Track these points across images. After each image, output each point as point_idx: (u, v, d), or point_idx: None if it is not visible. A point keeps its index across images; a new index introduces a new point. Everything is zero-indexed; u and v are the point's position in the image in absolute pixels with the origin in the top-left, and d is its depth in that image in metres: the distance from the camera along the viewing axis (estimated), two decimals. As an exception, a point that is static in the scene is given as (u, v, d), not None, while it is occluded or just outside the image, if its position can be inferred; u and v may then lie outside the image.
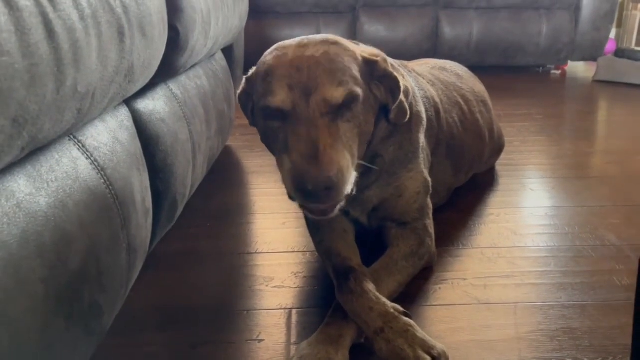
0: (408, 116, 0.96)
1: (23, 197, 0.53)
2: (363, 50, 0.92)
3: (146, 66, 0.73)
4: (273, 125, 0.83)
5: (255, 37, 2.79)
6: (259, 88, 0.85)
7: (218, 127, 1.38)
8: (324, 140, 0.76)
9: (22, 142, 0.45)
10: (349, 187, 0.79)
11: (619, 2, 3.48)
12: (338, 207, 0.82)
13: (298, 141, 0.77)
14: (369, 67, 0.88)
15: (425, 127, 1.09)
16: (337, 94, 0.79)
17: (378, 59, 0.90)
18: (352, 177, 0.80)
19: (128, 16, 0.62)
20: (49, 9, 0.46)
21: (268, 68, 0.83)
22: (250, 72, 0.93)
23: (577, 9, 3.35)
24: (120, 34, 0.60)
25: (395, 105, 0.93)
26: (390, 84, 0.91)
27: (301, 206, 0.83)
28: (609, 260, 1.08)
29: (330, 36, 0.89)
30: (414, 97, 1.05)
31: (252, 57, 2.19)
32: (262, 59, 0.88)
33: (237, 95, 0.95)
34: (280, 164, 0.83)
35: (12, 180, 0.52)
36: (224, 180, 1.59)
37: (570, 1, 3.33)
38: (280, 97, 0.79)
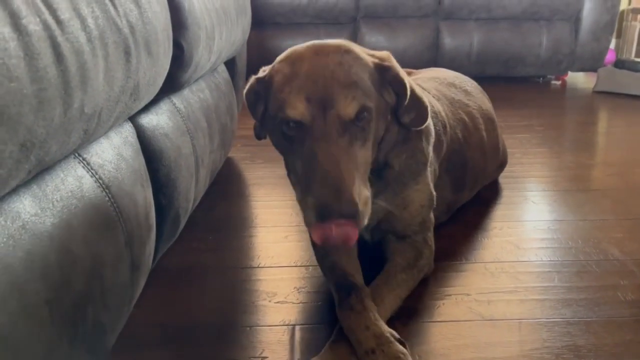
0: (426, 120, 0.96)
1: (28, 218, 0.53)
2: (373, 53, 0.93)
3: (151, 84, 0.73)
4: (288, 134, 0.83)
5: (257, 48, 2.80)
6: (276, 95, 0.85)
7: (220, 140, 1.38)
8: (346, 171, 0.76)
9: (29, 165, 0.45)
10: (368, 214, 0.78)
11: (619, 12, 3.50)
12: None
13: (318, 166, 0.77)
14: (380, 73, 0.89)
15: (434, 140, 1.09)
16: (350, 110, 0.81)
17: (389, 64, 0.91)
18: (369, 205, 0.79)
19: (134, 36, 0.62)
20: (57, 32, 0.46)
21: (285, 77, 0.84)
22: (262, 73, 0.92)
23: (577, 20, 3.37)
24: (127, 53, 0.61)
25: (406, 104, 0.92)
26: (398, 87, 0.92)
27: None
28: (613, 275, 1.07)
29: (344, 43, 0.89)
30: None
31: (253, 67, 2.20)
32: (277, 64, 0.88)
33: (245, 92, 0.95)
34: (295, 180, 0.83)
35: (17, 200, 0.52)
36: (225, 192, 1.58)
37: (570, 12, 3.34)
38: (299, 111, 0.81)
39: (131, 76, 0.62)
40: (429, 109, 0.97)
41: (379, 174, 0.98)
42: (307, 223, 0.78)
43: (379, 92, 0.88)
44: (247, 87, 0.94)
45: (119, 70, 0.59)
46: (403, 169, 1.01)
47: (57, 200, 0.58)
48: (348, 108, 0.80)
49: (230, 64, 1.67)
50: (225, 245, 1.25)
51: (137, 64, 0.64)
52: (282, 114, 0.82)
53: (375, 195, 0.99)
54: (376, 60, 0.90)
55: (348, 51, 0.86)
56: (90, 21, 0.53)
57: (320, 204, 0.74)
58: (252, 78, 0.93)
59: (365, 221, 0.77)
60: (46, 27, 0.44)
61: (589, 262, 1.12)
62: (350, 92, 0.81)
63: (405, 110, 0.93)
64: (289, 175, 0.97)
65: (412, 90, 0.93)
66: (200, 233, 1.29)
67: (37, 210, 0.54)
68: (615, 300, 0.98)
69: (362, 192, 0.78)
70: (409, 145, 1.01)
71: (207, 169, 1.25)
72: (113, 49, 0.57)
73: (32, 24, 0.42)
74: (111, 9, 0.58)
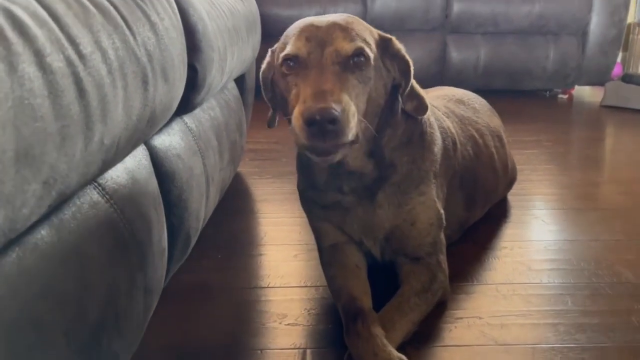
0: (427, 109, 1.01)
1: (46, 248, 0.53)
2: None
3: (167, 109, 0.73)
4: (287, 72, 0.88)
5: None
6: (280, 46, 0.92)
7: (230, 156, 1.38)
8: (331, 82, 0.81)
9: (50, 200, 0.45)
10: (353, 129, 0.81)
11: (626, 26, 3.50)
12: (342, 150, 0.83)
13: (308, 84, 0.81)
14: (384, 42, 0.95)
15: (440, 153, 1.09)
16: (347, 47, 0.85)
17: (391, 37, 0.97)
18: (356, 121, 0.82)
19: (152, 64, 0.63)
20: (79, 68, 0.46)
21: (289, 30, 0.92)
22: (275, 45, 0.98)
23: (584, 33, 3.37)
24: (144, 82, 0.61)
25: (408, 89, 0.98)
26: (403, 65, 0.97)
27: (307, 149, 0.83)
28: (627, 299, 1.06)
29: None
30: (427, 119, 1.07)
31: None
32: (288, 29, 0.95)
33: (261, 72, 1.00)
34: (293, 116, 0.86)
35: (35, 231, 0.52)
36: (234, 208, 1.58)
37: (577, 26, 3.34)
38: (297, 46, 0.86)
39: (148, 104, 0.63)
40: (427, 102, 1.02)
41: (385, 173, 1.00)
42: (296, 142, 0.82)
43: (381, 58, 0.93)
44: (263, 64, 1.00)
45: (137, 99, 0.59)
46: (406, 174, 1.02)
47: (73, 229, 0.58)
48: (346, 45, 0.85)
49: (239, 80, 1.67)
50: (234, 263, 1.24)
51: (154, 91, 0.64)
52: (282, 54, 0.88)
53: (379, 186, 1.01)
54: (380, 32, 0.96)
55: (353, 17, 0.93)
56: (110, 53, 0.53)
57: (304, 106, 0.78)
58: (269, 51, 1.00)
59: (348, 127, 0.79)
60: (69, 62, 0.45)
61: (601, 284, 1.11)
62: (350, 35, 0.87)
63: (407, 97, 0.99)
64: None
65: (412, 85, 0.99)
66: (210, 250, 1.29)
67: (54, 240, 0.54)
68: (629, 326, 0.97)
69: (349, 104, 0.80)
70: (411, 148, 1.03)
71: (216, 186, 1.25)
72: (132, 78, 0.57)
73: (56, 61, 0.42)
74: (130, 39, 0.58)
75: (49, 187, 0.42)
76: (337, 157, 0.85)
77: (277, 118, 1.06)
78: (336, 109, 0.77)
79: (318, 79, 0.81)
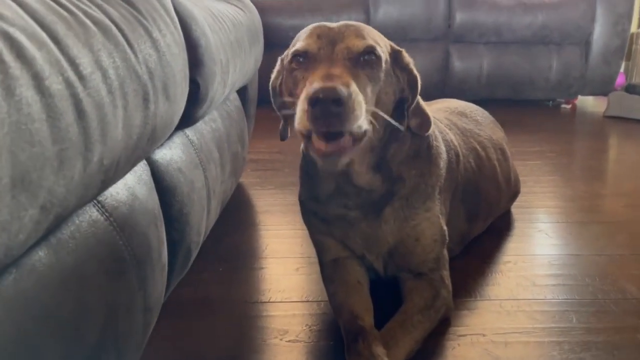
0: (431, 127, 1.01)
1: (44, 270, 0.52)
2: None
3: (168, 125, 0.73)
4: (297, 68, 0.87)
5: (268, 70, 2.80)
6: (289, 49, 0.91)
7: (232, 168, 1.37)
8: (341, 70, 0.80)
9: (48, 224, 0.44)
10: (359, 118, 0.77)
11: (629, 36, 3.50)
12: (348, 152, 0.80)
13: (317, 74, 0.80)
14: (395, 53, 0.95)
15: (445, 166, 1.08)
16: (359, 43, 0.85)
17: (401, 50, 0.97)
18: (363, 112, 0.79)
19: (153, 81, 0.62)
20: (79, 89, 0.45)
21: (300, 32, 0.91)
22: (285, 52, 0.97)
23: (587, 43, 3.37)
24: (145, 100, 0.60)
25: (414, 106, 0.97)
26: (411, 79, 0.96)
27: (309, 139, 0.80)
28: (632, 316, 1.05)
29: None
30: (433, 132, 1.06)
31: (264, 90, 2.20)
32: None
33: (271, 81, 1.00)
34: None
35: (33, 253, 0.51)
36: (235, 220, 1.57)
37: (580, 36, 3.34)
38: (307, 42, 0.86)
39: (149, 122, 0.62)
40: (432, 119, 1.01)
41: (392, 187, 0.99)
42: (298, 130, 0.80)
43: (391, 66, 0.93)
44: (273, 74, 1.00)
45: (137, 117, 0.58)
46: (414, 187, 1.01)
47: (72, 249, 0.57)
48: (357, 42, 0.84)
49: (242, 90, 1.67)
50: (235, 277, 1.23)
51: (155, 109, 0.63)
52: (292, 51, 0.87)
53: (387, 200, 1.00)
54: (391, 43, 0.97)
55: (367, 25, 0.93)
56: (111, 72, 0.52)
57: (309, 88, 0.76)
58: (278, 59, 1.00)
59: (354, 115, 0.76)
60: (69, 84, 0.44)
61: (606, 301, 1.10)
62: (362, 34, 0.86)
63: (412, 113, 0.98)
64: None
65: (418, 101, 0.98)
66: (210, 264, 1.28)
67: (52, 261, 0.53)
68: (634, 343, 0.96)
69: (357, 92, 0.78)
70: (419, 162, 1.02)
71: (218, 199, 1.24)
72: (132, 97, 0.56)
73: (55, 84, 0.42)
74: (131, 56, 0.58)
75: (46, 211, 0.42)
76: (343, 160, 0.83)
77: (289, 129, 1.05)
78: (342, 89, 0.75)
79: (328, 68, 0.80)
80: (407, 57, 0.97)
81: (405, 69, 0.96)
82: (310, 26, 0.90)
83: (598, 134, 2.89)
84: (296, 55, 0.87)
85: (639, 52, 4.07)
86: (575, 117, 3.30)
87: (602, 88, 3.41)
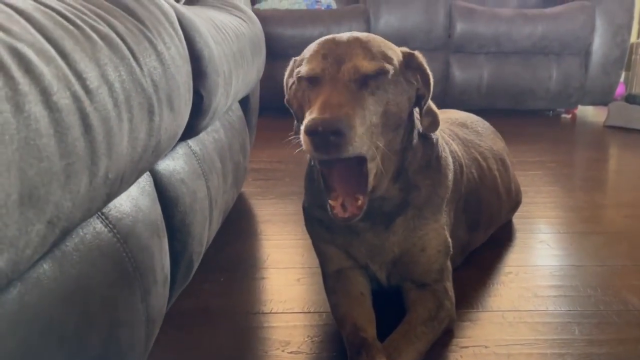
0: (438, 126, 1.01)
1: (48, 283, 0.52)
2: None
3: (172, 137, 0.73)
4: (304, 90, 0.88)
5: (270, 79, 2.81)
6: (299, 60, 0.93)
7: (234, 178, 1.38)
8: (343, 96, 0.80)
9: (54, 238, 0.44)
10: (360, 148, 0.80)
11: (629, 46, 3.51)
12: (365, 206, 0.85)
13: (320, 99, 0.80)
14: (406, 58, 0.94)
15: (452, 177, 1.09)
16: (367, 65, 0.84)
17: (413, 52, 0.97)
18: (365, 139, 0.80)
19: (158, 94, 0.62)
20: (86, 103, 0.45)
21: (311, 45, 0.91)
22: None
23: (587, 54, 3.39)
24: (150, 112, 0.60)
25: (425, 107, 0.97)
26: (424, 77, 0.96)
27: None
28: (635, 328, 1.05)
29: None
30: (439, 142, 1.07)
31: (266, 99, 2.20)
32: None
33: (285, 79, 1.01)
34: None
35: (38, 266, 0.51)
36: (237, 229, 1.57)
37: (580, 46, 3.36)
38: (312, 65, 0.86)
39: (154, 134, 0.62)
40: (439, 117, 1.01)
41: (407, 195, 1.00)
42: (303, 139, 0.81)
43: (403, 72, 0.92)
44: (287, 70, 1.00)
45: (142, 130, 0.58)
46: (427, 197, 1.01)
47: (76, 261, 0.57)
48: (365, 63, 0.84)
49: (244, 100, 1.67)
50: (236, 287, 1.23)
51: (159, 121, 0.63)
52: (297, 74, 0.88)
53: (397, 211, 1.00)
54: (403, 49, 0.96)
55: (376, 35, 0.93)
56: (117, 86, 0.53)
57: (310, 118, 0.77)
58: (292, 59, 1.00)
59: (352, 140, 0.78)
60: (76, 99, 0.44)
61: (609, 312, 1.10)
62: (371, 52, 0.86)
63: (425, 113, 0.98)
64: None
65: (428, 103, 0.99)
66: (211, 274, 1.28)
67: (56, 273, 0.53)
68: (637, 355, 0.96)
69: (355, 118, 0.79)
70: (431, 172, 1.03)
71: (220, 209, 1.24)
72: (138, 110, 0.57)
73: (63, 99, 0.42)
74: (137, 70, 0.58)
75: (52, 226, 0.42)
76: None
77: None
78: (341, 121, 0.76)
79: (330, 94, 0.81)
80: (420, 58, 0.96)
81: (419, 68, 0.95)
82: (318, 42, 0.90)
83: (598, 144, 2.90)
84: (301, 78, 0.88)
85: (638, 62, 4.09)
86: (575, 127, 3.31)
87: (602, 98, 3.43)
